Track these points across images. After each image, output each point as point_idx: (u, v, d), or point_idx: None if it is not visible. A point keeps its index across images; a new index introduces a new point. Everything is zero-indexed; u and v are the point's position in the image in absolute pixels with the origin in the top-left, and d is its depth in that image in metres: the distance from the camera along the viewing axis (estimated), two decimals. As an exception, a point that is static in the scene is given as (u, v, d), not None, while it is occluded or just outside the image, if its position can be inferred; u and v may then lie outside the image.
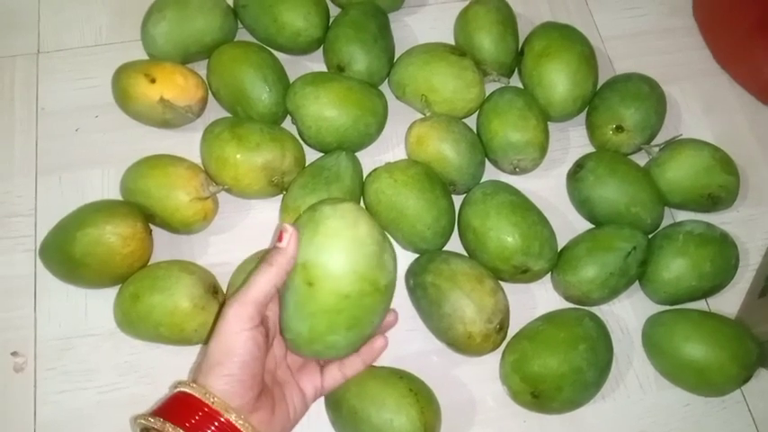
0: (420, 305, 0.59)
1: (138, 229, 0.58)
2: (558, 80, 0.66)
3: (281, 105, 0.66)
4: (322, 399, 0.53)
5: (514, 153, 0.64)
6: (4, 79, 0.71)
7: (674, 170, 0.64)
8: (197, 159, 0.64)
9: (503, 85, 0.68)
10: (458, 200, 0.64)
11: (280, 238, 0.44)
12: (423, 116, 0.66)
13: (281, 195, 0.63)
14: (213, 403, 0.41)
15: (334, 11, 0.72)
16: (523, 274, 0.60)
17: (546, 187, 0.67)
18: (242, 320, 0.43)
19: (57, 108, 0.70)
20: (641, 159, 0.67)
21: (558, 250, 0.62)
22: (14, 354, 0.59)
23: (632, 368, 0.61)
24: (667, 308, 0.62)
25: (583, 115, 0.70)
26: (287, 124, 0.67)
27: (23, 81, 0.71)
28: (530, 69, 0.68)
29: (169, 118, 0.66)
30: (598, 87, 0.69)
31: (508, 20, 0.70)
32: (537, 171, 0.67)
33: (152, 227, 0.61)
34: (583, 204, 0.64)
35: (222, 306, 0.58)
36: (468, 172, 0.64)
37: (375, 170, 0.63)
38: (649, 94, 0.67)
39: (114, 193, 0.64)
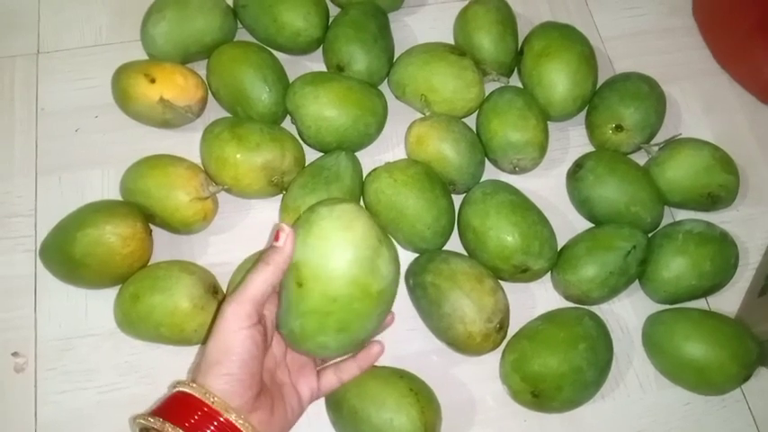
0: (420, 305, 0.59)
1: (138, 230, 0.58)
2: (558, 80, 0.66)
3: (281, 105, 0.66)
4: (322, 399, 0.53)
5: (514, 152, 0.65)
6: (3, 79, 0.71)
7: (673, 169, 0.64)
8: (197, 159, 0.64)
9: (502, 85, 0.68)
10: (457, 199, 0.64)
11: (276, 238, 0.44)
12: (422, 116, 0.66)
13: (281, 195, 0.63)
14: (213, 403, 0.41)
15: (333, 11, 0.72)
16: (523, 274, 0.60)
17: (546, 187, 0.67)
18: (239, 319, 0.43)
19: (56, 108, 0.70)
20: (641, 159, 0.67)
21: (558, 249, 0.62)
22: (15, 354, 0.59)
23: (632, 367, 0.61)
24: (667, 307, 0.62)
25: (582, 115, 0.70)
26: (287, 124, 0.67)
27: (23, 81, 0.71)
28: (529, 69, 0.68)
29: (169, 118, 0.66)
30: (598, 87, 0.69)
31: (508, 19, 0.70)
32: (537, 170, 0.67)
33: (152, 227, 0.61)
34: (582, 204, 0.64)
35: (220, 305, 0.58)
36: (468, 171, 0.64)
37: (375, 170, 0.63)
38: (649, 94, 0.67)
39: (114, 194, 0.64)
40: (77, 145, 0.68)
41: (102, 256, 0.57)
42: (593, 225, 0.65)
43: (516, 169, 0.66)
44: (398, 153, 0.68)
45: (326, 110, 0.63)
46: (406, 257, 0.62)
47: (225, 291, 0.60)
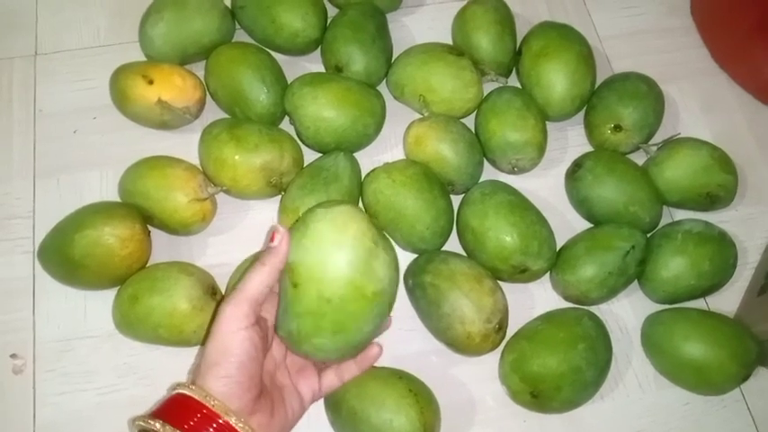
0: (419, 305, 0.59)
1: (137, 231, 0.58)
2: (557, 80, 0.66)
3: (280, 106, 0.65)
4: (321, 399, 0.53)
5: (513, 153, 0.65)
6: (1, 81, 0.71)
7: (672, 169, 0.64)
8: (195, 160, 0.64)
9: (501, 85, 0.68)
10: (456, 200, 0.64)
11: (272, 239, 0.44)
12: (421, 116, 0.66)
13: (280, 196, 0.63)
14: (213, 405, 0.41)
15: (332, 11, 0.72)
16: (522, 274, 0.60)
17: (544, 187, 0.67)
18: (237, 320, 0.43)
19: (55, 110, 0.70)
20: (639, 158, 0.67)
21: (557, 250, 0.62)
22: (13, 356, 0.59)
23: (631, 367, 0.61)
24: (666, 307, 0.62)
25: (581, 115, 0.70)
26: (285, 125, 0.67)
27: (21, 83, 0.71)
28: (528, 69, 0.68)
29: (167, 119, 0.66)
30: (596, 87, 0.69)
31: (506, 19, 0.70)
32: (535, 171, 0.67)
33: (150, 228, 0.61)
34: (581, 204, 0.64)
35: (218, 306, 0.58)
36: (467, 172, 0.64)
37: (373, 170, 0.63)
38: (647, 94, 0.67)
39: (113, 195, 0.63)
40: (76, 146, 0.68)
41: (100, 257, 0.57)
42: (591, 225, 0.65)
43: (515, 169, 0.66)
44: (397, 153, 0.68)
45: (325, 110, 0.63)
46: (405, 258, 0.62)
47: (224, 292, 0.60)
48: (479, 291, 0.56)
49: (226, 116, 0.67)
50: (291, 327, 0.45)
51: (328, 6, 0.72)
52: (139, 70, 0.64)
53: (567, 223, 0.66)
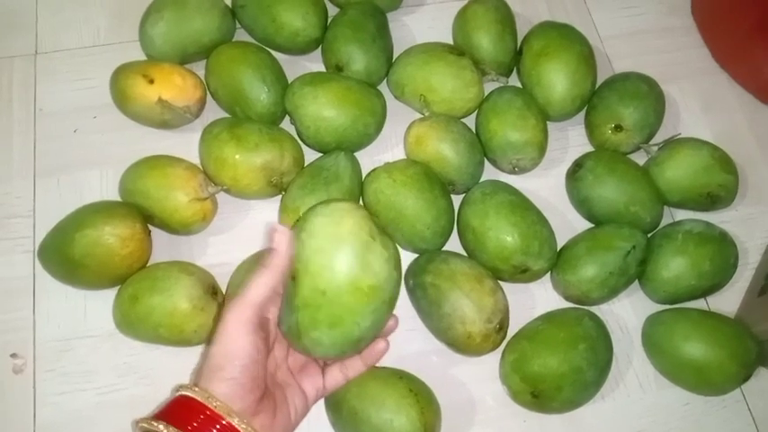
0: (419, 305, 0.59)
1: (137, 230, 0.58)
2: (557, 79, 0.66)
3: (280, 105, 0.65)
4: (322, 400, 0.53)
5: (513, 152, 0.64)
6: (1, 80, 0.71)
7: (673, 169, 0.64)
8: (196, 160, 0.64)
9: (501, 85, 0.68)
10: (457, 200, 0.64)
11: (273, 240, 0.44)
12: (421, 116, 0.66)
13: (280, 196, 0.63)
14: (216, 407, 0.41)
15: (332, 10, 0.72)
16: (523, 274, 0.60)
17: (545, 187, 0.67)
18: (241, 324, 0.43)
19: (55, 109, 0.70)
20: (640, 158, 0.67)
21: (558, 250, 0.62)
22: (13, 355, 0.59)
23: (632, 367, 0.61)
24: (667, 307, 0.62)
25: (582, 114, 0.70)
26: (285, 124, 0.67)
27: (21, 82, 0.71)
28: (528, 69, 0.68)
29: (167, 118, 0.66)
30: (597, 87, 0.69)
31: (507, 19, 0.70)
32: (536, 170, 0.67)
33: (151, 228, 0.61)
34: (582, 204, 0.64)
35: (221, 309, 0.58)
36: (468, 172, 0.64)
37: (374, 170, 0.62)
38: (648, 93, 0.67)
39: (113, 194, 0.63)
40: (76, 146, 0.68)
41: (100, 256, 0.57)
42: (592, 225, 0.65)
43: (515, 169, 0.66)
44: (398, 153, 0.68)
45: (325, 110, 0.63)
46: (406, 258, 0.61)
47: (224, 291, 0.59)
48: (480, 291, 0.56)
49: (226, 115, 0.67)
50: (291, 320, 0.46)
51: (329, 6, 0.72)
52: (140, 69, 0.64)
53: (567, 223, 0.66)
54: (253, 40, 0.70)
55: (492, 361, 0.59)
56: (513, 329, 0.59)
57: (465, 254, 0.63)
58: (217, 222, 0.64)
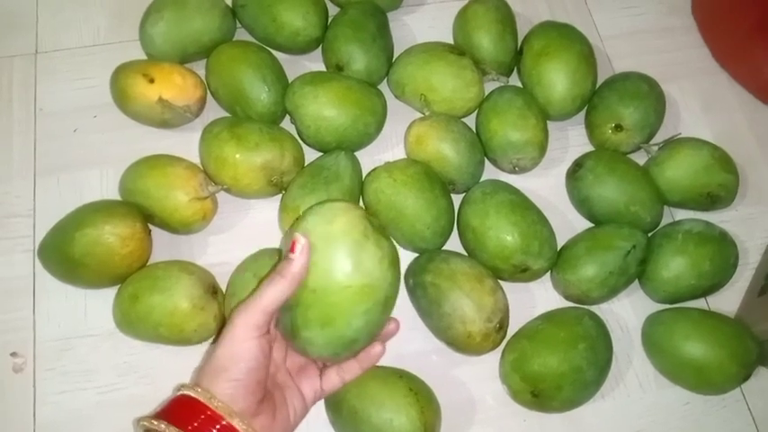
0: (420, 304, 0.59)
1: (137, 230, 0.58)
2: (557, 79, 0.66)
3: (280, 105, 0.65)
4: (322, 399, 0.53)
5: (514, 152, 0.64)
6: (1, 80, 0.71)
7: (673, 169, 0.64)
8: (196, 159, 0.64)
9: (502, 85, 0.68)
10: (457, 199, 0.64)
11: (292, 249, 0.43)
12: (422, 115, 0.66)
13: (281, 195, 0.63)
14: (217, 407, 0.41)
15: (332, 10, 0.72)
16: (523, 273, 0.60)
17: (545, 186, 0.67)
18: (249, 328, 0.43)
19: (55, 108, 0.70)
20: (640, 158, 0.67)
21: (558, 249, 0.62)
22: (14, 354, 0.59)
23: (632, 367, 0.61)
24: (667, 306, 0.62)
25: (582, 114, 0.70)
26: (286, 124, 0.67)
27: (21, 82, 0.71)
28: (529, 68, 0.68)
29: (168, 118, 0.66)
30: (597, 86, 0.69)
31: (507, 19, 0.70)
32: (536, 170, 0.67)
33: (151, 227, 0.61)
34: (582, 203, 0.64)
35: (221, 308, 0.58)
36: (468, 171, 0.64)
37: (374, 170, 0.62)
38: (648, 93, 0.67)
39: (113, 194, 0.63)
40: (76, 145, 0.68)
41: (101, 256, 0.57)
42: (592, 225, 0.65)
43: (516, 169, 0.66)
44: (398, 153, 0.68)
45: (326, 109, 0.63)
46: (406, 257, 0.61)
47: (224, 291, 0.59)
48: (480, 290, 0.56)
49: (226, 115, 0.67)
50: (286, 319, 0.46)
51: (329, 5, 0.72)
52: (140, 69, 0.64)
53: (567, 223, 0.66)
54: (253, 40, 0.70)
55: (492, 360, 0.59)
56: (513, 329, 0.59)
57: (465, 253, 0.62)
58: (217, 222, 0.64)
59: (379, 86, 0.68)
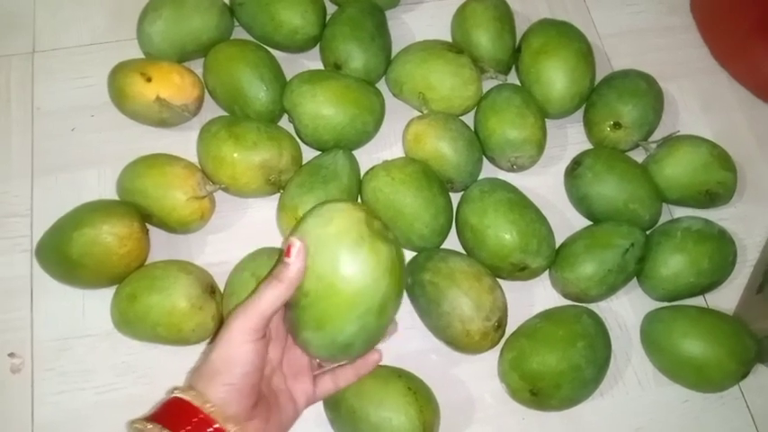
0: (418, 303, 0.59)
1: (135, 229, 0.58)
2: (556, 77, 0.66)
3: (278, 104, 0.65)
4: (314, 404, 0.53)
5: (512, 150, 0.64)
6: (-1, 79, 0.71)
7: (671, 167, 0.64)
8: (194, 158, 0.64)
9: (500, 83, 0.68)
10: (455, 198, 0.64)
11: (287, 253, 0.43)
12: (420, 114, 0.66)
13: (279, 194, 0.63)
14: (211, 412, 0.41)
15: (330, 8, 0.72)
16: (521, 272, 0.60)
17: (544, 184, 0.67)
18: (246, 333, 0.42)
19: (53, 108, 0.69)
20: (639, 156, 0.67)
21: (556, 247, 0.62)
22: (11, 355, 0.59)
23: (631, 365, 0.61)
24: (665, 304, 0.62)
25: (580, 112, 0.70)
26: (284, 123, 0.67)
27: (19, 81, 0.71)
28: (527, 66, 0.68)
29: (166, 117, 0.65)
30: (596, 84, 0.69)
31: (505, 17, 0.70)
32: (534, 168, 0.67)
33: (149, 226, 0.61)
34: (581, 201, 0.64)
35: (227, 313, 0.58)
36: (466, 170, 0.64)
37: (372, 168, 0.62)
38: (647, 91, 0.66)
39: (111, 193, 0.63)
40: (74, 144, 0.68)
41: (98, 255, 0.57)
42: (591, 223, 0.65)
43: (514, 167, 0.66)
44: (396, 151, 0.68)
45: (324, 108, 0.63)
46: (405, 256, 0.61)
47: (222, 290, 0.59)
48: (479, 289, 0.56)
49: (224, 114, 0.67)
50: (289, 316, 0.46)
51: (327, 3, 0.71)
52: (138, 68, 0.64)
53: (566, 221, 0.66)
54: (251, 38, 0.70)
55: (491, 359, 0.59)
56: (511, 327, 0.59)
57: (464, 252, 0.62)
58: (215, 221, 0.64)
59: (377, 85, 0.68)
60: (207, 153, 0.62)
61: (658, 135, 0.68)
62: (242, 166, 0.61)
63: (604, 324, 0.58)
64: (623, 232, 0.60)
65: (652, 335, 0.59)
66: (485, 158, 0.67)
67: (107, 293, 0.59)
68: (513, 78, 0.71)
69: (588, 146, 0.69)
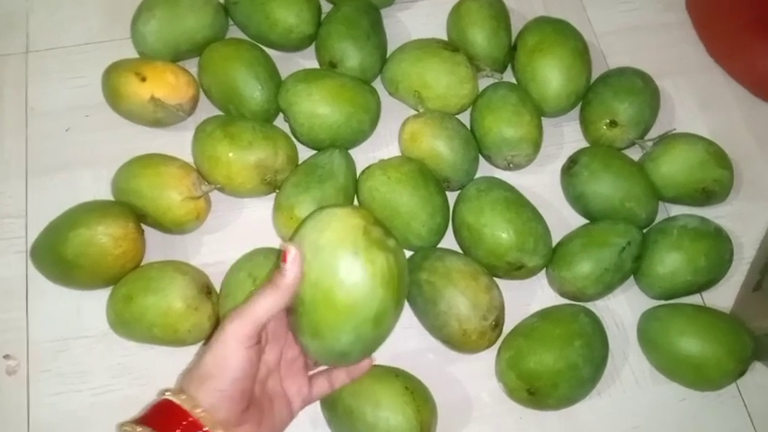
0: (415, 303, 0.59)
1: (131, 230, 0.58)
2: (552, 75, 0.66)
3: (274, 103, 0.65)
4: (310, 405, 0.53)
5: (508, 149, 0.64)
6: (-7, 79, 0.70)
7: (668, 165, 0.64)
8: (189, 158, 0.64)
9: (496, 81, 0.68)
10: (452, 197, 0.64)
11: (284, 259, 0.43)
12: (416, 112, 0.66)
13: (275, 194, 0.63)
14: (200, 418, 0.41)
15: (326, 7, 0.71)
16: (518, 271, 0.60)
17: (540, 183, 0.67)
18: (240, 338, 0.42)
19: (47, 108, 0.69)
20: (635, 154, 0.67)
21: (553, 246, 0.62)
22: (7, 356, 0.59)
23: (628, 363, 0.61)
24: (662, 303, 0.62)
25: (576, 110, 0.70)
26: (279, 122, 0.67)
27: (13, 81, 0.70)
28: (523, 65, 0.68)
29: (160, 117, 0.65)
30: (592, 82, 0.69)
31: (501, 15, 0.70)
32: (531, 167, 0.67)
33: (144, 227, 0.61)
34: (577, 200, 0.64)
35: (223, 315, 0.57)
36: (462, 168, 0.63)
37: (369, 167, 0.62)
38: (643, 89, 0.66)
39: (106, 194, 0.63)
40: (68, 145, 0.67)
41: (94, 256, 0.57)
42: (587, 221, 0.65)
43: (510, 166, 0.66)
44: (392, 150, 0.68)
45: (319, 107, 0.63)
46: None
47: (218, 291, 0.59)
48: (475, 288, 0.56)
49: (219, 113, 0.67)
50: (291, 319, 0.46)
51: (322, 2, 0.71)
52: (132, 67, 0.64)
53: (562, 219, 0.66)
54: (246, 38, 0.70)
55: (488, 358, 0.59)
56: (508, 326, 0.59)
57: (460, 251, 0.62)
58: (210, 221, 0.64)
59: (372, 83, 0.68)
60: (202, 153, 0.61)
61: (654, 133, 0.68)
62: (237, 165, 0.60)
63: (601, 323, 0.58)
64: (620, 231, 0.60)
65: (649, 333, 0.59)
66: (481, 157, 0.67)
67: (103, 294, 0.59)
68: (508, 76, 0.71)
69: (584, 144, 0.69)
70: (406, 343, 0.60)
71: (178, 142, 0.66)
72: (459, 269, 0.57)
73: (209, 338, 0.57)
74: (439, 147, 0.62)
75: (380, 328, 0.45)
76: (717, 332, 0.57)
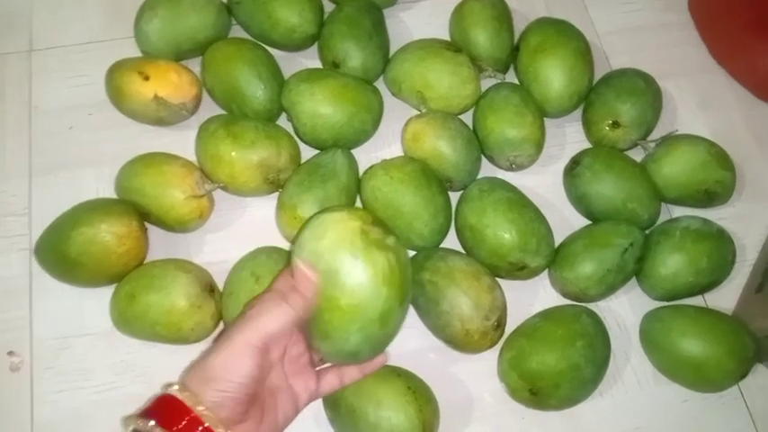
0: (417, 303, 0.59)
1: (134, 228, 0.58)
2: (554, 76, 0.66)
3: (276, 102, 0.65)
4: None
5: (511, 149, 0.64)
6: (-4, 78, 0.71)
7: (670, 166, 0.64)
8: (192, 157, 0.64)
9: (498, 82, 0.68)
10: (454, 197, 0.64)
11: (295, 276, 0.44)
12: (418, 113, 0.66)
13: (277, 193, 0.63)
14: (203, 414, 0.41)
15: (328, 7, 0.71)
16: (520, 271, 0.60)
17: (542, 184, 0.67)
18: (249, 348, 0.42)
19: (50, 107, 0.69)
20: (637, 155, 0.67)
21: (555, 247, 0.62)
22: (10, 353, 0.59)
23: (630, 364, 0.61)
24: (664, 304, 0.62)
25: (579, 111, 0.70)
26: (282, 122, 0.67)
27: (16, 80, 0.70)
28: (525, 65, 0.68)
29: (163, 116, 0.65)
30: (594, 83, 0.69)
31: (503, 15, 0.70)
32: (533, 167, 0.67)
33: (147, 225, 0.61)
34: (579, 200, 0.64)
35: (219, 313, 0.58)
36: (465, 169, 0.64)
37: (371, 167, 0.62)
38: (645, 90, 0.66)
39: (109, 192, 0.63)
40: (71, 143, 0.67)
41: (97, 254, 0.57)
42: (590, 222, 0.65)
43: (513, 166, 0.66)
44: (395, 150, 0.68)
45: (322, 107, 0.63)
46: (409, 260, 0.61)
47: (221, 290, 0.59)
48: (478, 288, 0.56)
49: (222, 112, 0.67)
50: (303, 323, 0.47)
51: (325, 2, 0.71)
52: (135, 66, 0.64)
53: (565, 220, 0.66)
54: (249, 37, 0.70)
55: (490, 358, 0.59)
56: (510, 327, 0.59)
57: (463, 251, 0.62)
58: (214, 220, 0.64)
59: (375, 84, 0.68)
60: (205, 152, 0.62)
61: (657, 134, 0.68)
62: (240, 164, 0.60)
63: (603, 323, 0.58)
64: (622, 232, 0.60)
65: (651, 334, 0.59)
66: (483, 157, 0.67)
67: (106, 292, 0.59)
68: (511, 77, 0.71)
69: (587, 145, 0.69)
70: (408, 343, 0.60)
71: (181, 141, 0.66)
72: (461, 269, 0.57)
73: (213, 339, 0.57)
74: (441, 147, 0.62)
75: (387, 326, 0.46)
76: (719, 334, 0.57)
